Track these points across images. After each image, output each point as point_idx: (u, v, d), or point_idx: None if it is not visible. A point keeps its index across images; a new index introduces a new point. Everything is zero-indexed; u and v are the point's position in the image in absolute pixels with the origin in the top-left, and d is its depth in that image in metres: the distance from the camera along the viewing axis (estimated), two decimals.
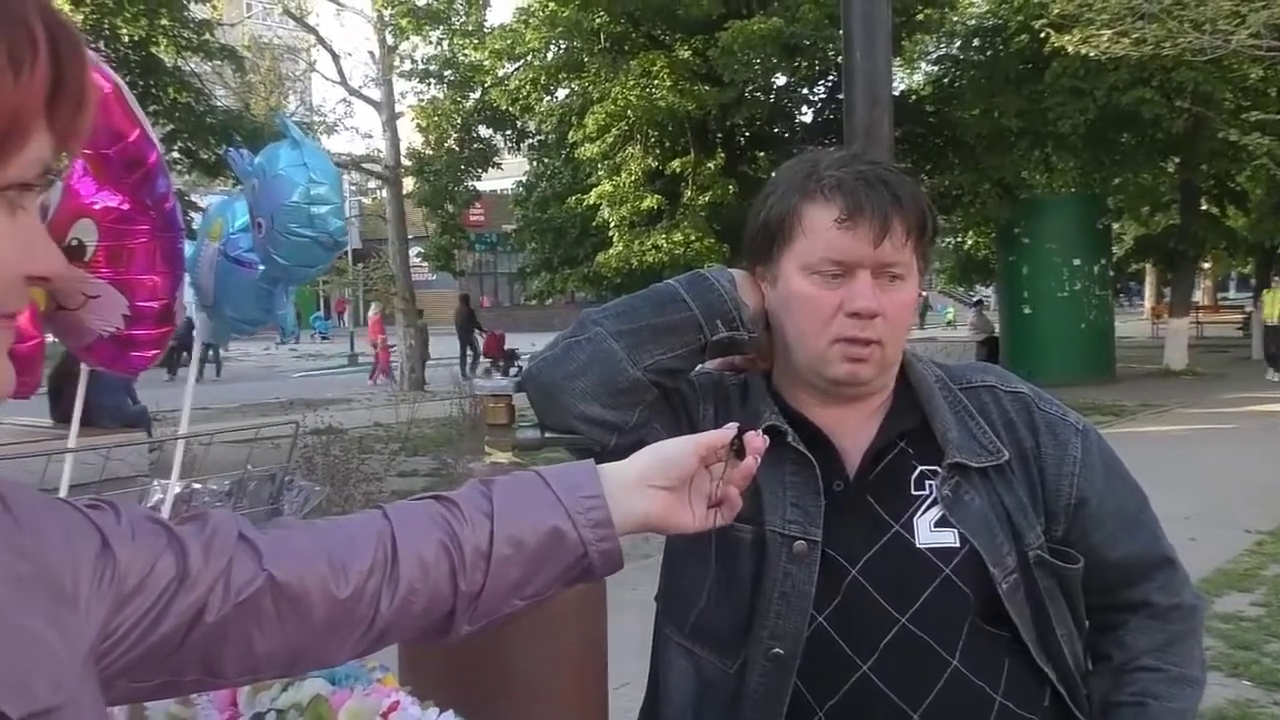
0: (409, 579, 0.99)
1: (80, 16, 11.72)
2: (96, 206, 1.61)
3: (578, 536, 1.05)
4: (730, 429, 1.14)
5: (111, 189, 1.60)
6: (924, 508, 1.45)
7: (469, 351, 25.46)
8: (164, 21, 12.54)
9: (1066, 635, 1.47)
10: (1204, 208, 22.85)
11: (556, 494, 1.06)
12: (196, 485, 2.03)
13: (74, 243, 1.63)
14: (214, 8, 16.25)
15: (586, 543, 1.05)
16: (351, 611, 0.96)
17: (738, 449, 1.14)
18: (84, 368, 1.87)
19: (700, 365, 1.55)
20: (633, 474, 1.11)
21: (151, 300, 1.69)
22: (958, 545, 1.42)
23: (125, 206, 1.62)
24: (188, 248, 1.87)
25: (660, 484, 1.11)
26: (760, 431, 1.16)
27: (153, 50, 12.55)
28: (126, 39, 12.27)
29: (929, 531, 1.43)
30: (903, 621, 1.40)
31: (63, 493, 1.87)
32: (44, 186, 0.74)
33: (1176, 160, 21.52)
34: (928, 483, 1.46)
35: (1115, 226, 24.97)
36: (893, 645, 1.40)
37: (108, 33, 12.03)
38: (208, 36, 13.33)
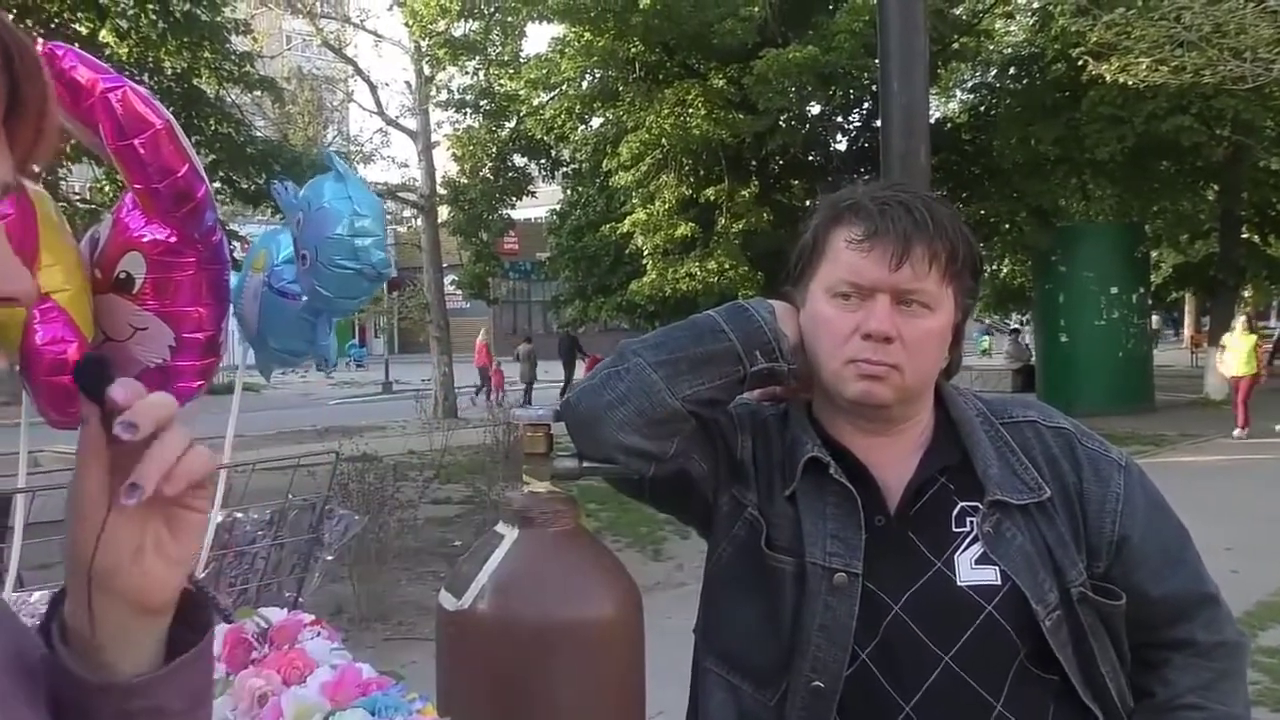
0: None
1: (125, 50, 11.92)
2: (145, 239, 1.64)
3: None
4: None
5: (160, 222, 1.63)
6: (965, 545, 1.44)
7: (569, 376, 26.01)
8: (206, 54, 12.73)
9: (1111, 672, 1.45)
10: (1244, 235, 22.60)
11: None
12: (238, 514, 2.05)
13: (122, 275, 1.65)
14: (254, 40, 16.51)
15: None
16: None
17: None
18: None
19: (740, 396, 1.55)
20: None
21: (197, 332, 1.71)
22: (999, 583, 1.41)
23: (173, 239, 1.64)
24: (232, 279, 1.90)
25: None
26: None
27: (194, 82, 12.74)
28: (169, 71, 12.46)
29: (970, 569, 1.42)
30: (946, 660, 1.39)
31: None
32: None
33: (1216, 188, 21.31)
34: (969, 519, 1.45)
35: (1153, 254, 24.75)
36: (936, 685, 1.39)
37: (151, 65, 12.22)
38: (248, 68, 13.52)
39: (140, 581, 0.79)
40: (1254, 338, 16.23)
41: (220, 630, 1.35)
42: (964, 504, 1.46)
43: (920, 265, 1.41)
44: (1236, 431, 15.58)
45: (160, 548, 0.80)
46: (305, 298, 1.83)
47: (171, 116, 1.56)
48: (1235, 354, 16.04)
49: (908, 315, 1.42)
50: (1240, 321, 17.00)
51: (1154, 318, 16.86)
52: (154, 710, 0.80)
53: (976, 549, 1.43)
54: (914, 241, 1.40)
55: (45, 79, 0.72)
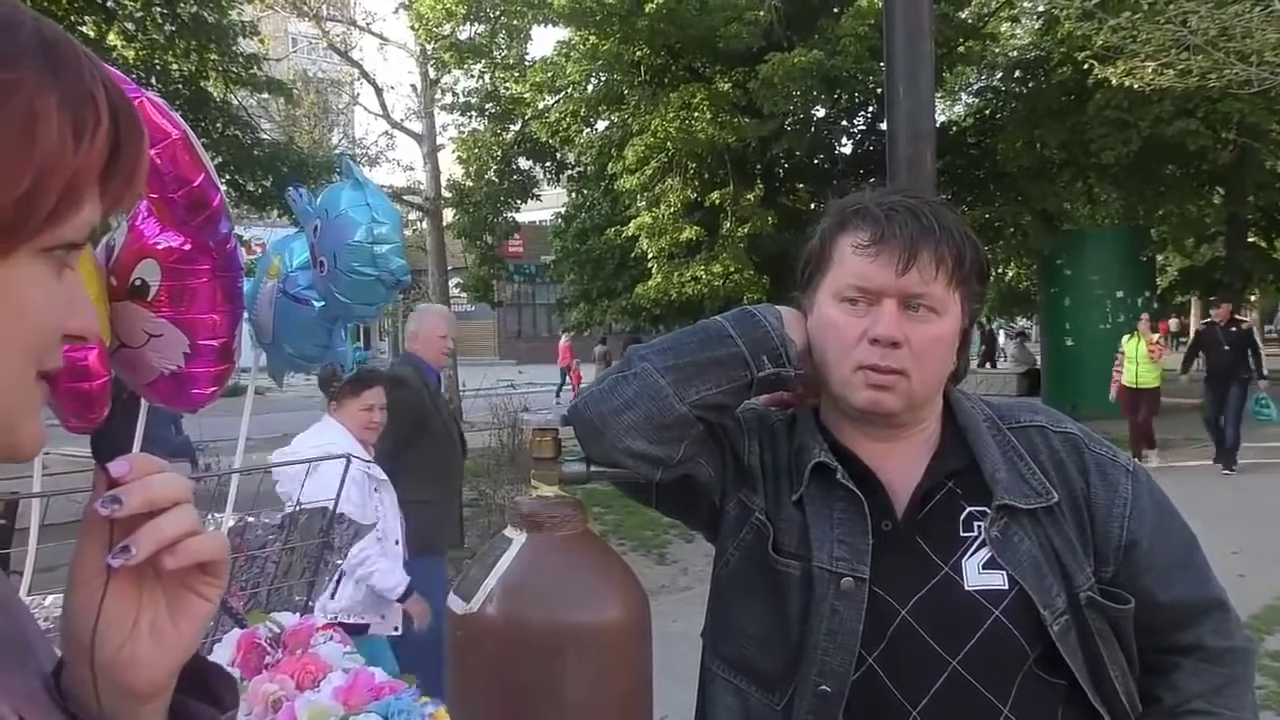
0: None
1: (132, 53, 11.95)
2: (160, 247, 1.65)
3: None
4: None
5: (175, 230, 1.64)
6: (972, 549, 1.44)
7: None
8: (213, 56, 12.76)
9: (1120, 676, 1.46)
10: (1250, 239, 22.55)
11: None
12: (249, 518, 2.06)
13: (138, 282, 1.66)
14: (261, 42, 16.53)
15: None
16: None
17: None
18: (144, 403, 1.90)
19: (747, 401, 1.56)
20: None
21: (212, 338, 1.72)
22: (1007, 587, 1.42)
23: (187, 247, 1.65)
24: (245, 285, 1.91)
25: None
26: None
27: (202, 84, 12.77)
28: (177, 74, 12.49)
29: (977, 574, 1.43)
30: (953, 665, 1.40)
31: None
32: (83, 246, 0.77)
33: (1222, 192, 21.27)
34: (976, 524, 1.45)
35: (1159, 258, 24.70)
36: (944, 690, 1.39)
37: (159, 68, 12.25)
38: (255, 70, 13.54)
39: (127, 662, 0.76)
40: (1156, 337, 13.64)
41: (233, 635, 1.36)
42: (971, 509, 1.46)
43: (927, 270, 1.42)
44: (1150, 461, 12.55)
45: (156, 630, 0.77)
46: (321, 303, 1.84)
47: (188, 127, 1.57)
48: (1137, 362, 13.25)
49: (915, 320, 1.43)
50: (1144, 322, 14.01)
51: (1172, 321, 15.57)
52: None
53: (984, 553, 1.43)
54: (920, 246, 1.41)
55: (144, 137, 0.77)
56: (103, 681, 0.76)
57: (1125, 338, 13.95)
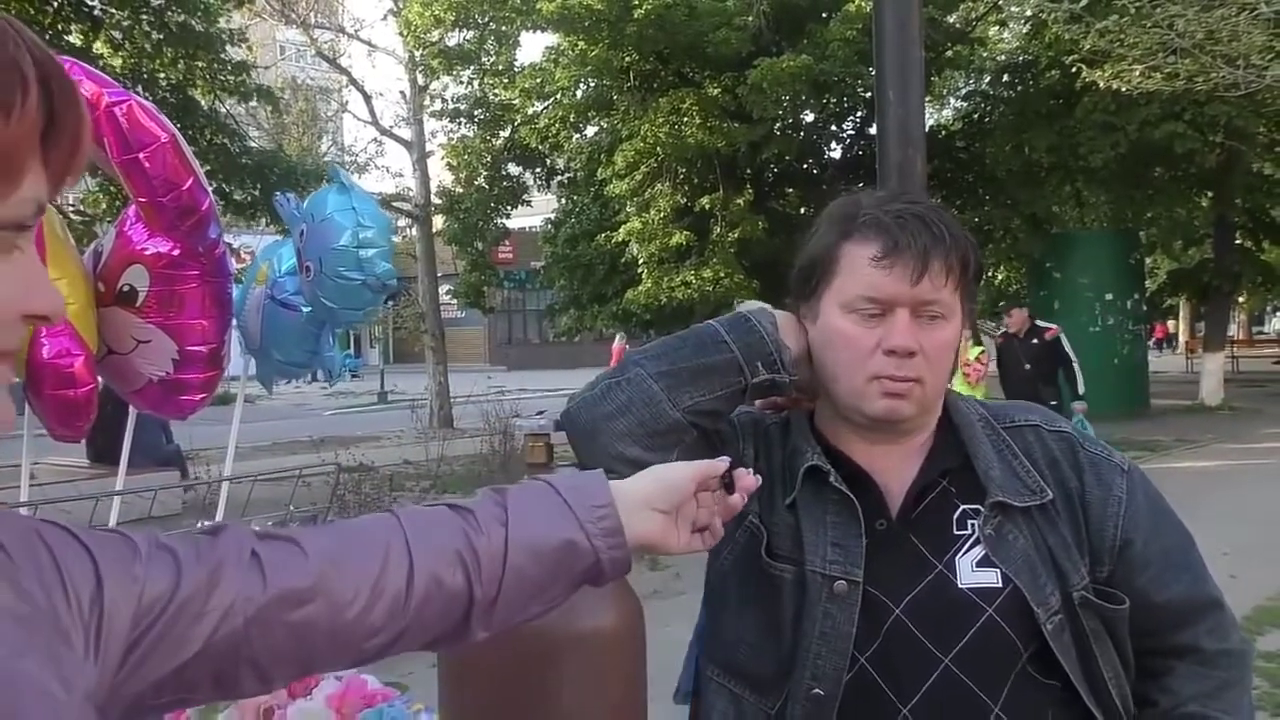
0: (424, 587, 1.01)
1: (119, 61, 11.91)
2: (148, 252, 1.63)
3: (590, 545, 1.08)
4: (723, 461, 1.18)
5: (163, 236, 1.62)
6: (966, 547, 1.44)
7: None
8: (200, 64, 12.72)
9: (1114, 677, 1.45)
10: (1238, 241, 22.67)
11: (568, 503, 1.09)
12: None
13: (126, 288, 1.65)
14: (249, 49, 16.48)
15: (598, 550, 1.08)
16: (361, 623, 0.98)
17: (728, 483, 1.19)
18: (132, 410, 1.89)
19: (742, 404, 1.55)
20: (639, 494, 1.14)
21: (201, 344, 1.71)
22: (1000, 585, 1.41)
23: (176, 253, 1.63)
24: (234, 292, 1.89)
25: (660, 507, 1.15)
26: (752, 471, 1.21)
27: (189, 93, 12.74)
28: (164, 82, 12.45)
29: (971, 571, 1.43)
30: (945, 662, 1.40)
31: None
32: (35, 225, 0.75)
33: (1210, 194, 21.38)
34: (970, 522, 1.45)
35: (1148, 261, 24.78)
36: (935, 687, 1.39)
37: (146, 77, 12.21)
38: (243, 78, 13.50)
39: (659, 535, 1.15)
40: (978, 351, 10.77)
41: None
42: (965, 507, 1.47)
43: (938, 278, 1.42)
44: None
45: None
46: (308, 309, 1.83)
47: (176, 130, 1.55)
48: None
49: (926, 327, 1.43)
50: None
51: (1170, 322, 15.08)
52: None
53: (978, 551, 1.43)
54: (933, 256, 1.41)
55: (81, 105, 0.75)
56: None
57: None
